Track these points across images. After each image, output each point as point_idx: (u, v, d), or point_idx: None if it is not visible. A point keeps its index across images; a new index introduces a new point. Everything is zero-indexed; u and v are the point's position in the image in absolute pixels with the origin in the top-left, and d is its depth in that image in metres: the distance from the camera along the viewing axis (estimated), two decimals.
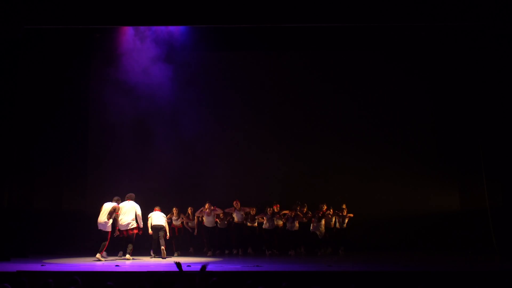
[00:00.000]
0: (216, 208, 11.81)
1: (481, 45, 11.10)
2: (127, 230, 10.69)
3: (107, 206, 10.66)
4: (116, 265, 9.01)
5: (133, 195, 11.08)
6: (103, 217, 10.55)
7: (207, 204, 11.77)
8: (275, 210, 11.70)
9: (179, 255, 11.18)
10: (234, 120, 13.60)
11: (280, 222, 11.80)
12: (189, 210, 11.97)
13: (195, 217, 11.88)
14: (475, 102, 11.39)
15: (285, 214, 11.80)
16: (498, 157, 10.52)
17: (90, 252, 10.78)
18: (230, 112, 13.62)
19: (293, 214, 11.70)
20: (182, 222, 11.89)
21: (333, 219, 11.90)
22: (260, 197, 12.49)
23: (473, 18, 10.48)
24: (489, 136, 10.87)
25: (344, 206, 11.95)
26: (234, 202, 11.93)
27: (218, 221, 11.89)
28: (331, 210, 11.84)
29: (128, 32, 12.95)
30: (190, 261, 9.53)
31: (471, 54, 11.64)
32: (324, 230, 11.70)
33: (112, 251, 10.90)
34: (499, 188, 10.48)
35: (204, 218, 11.87)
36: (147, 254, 11.13)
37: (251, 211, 11.84)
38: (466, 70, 11.93)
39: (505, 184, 10.18)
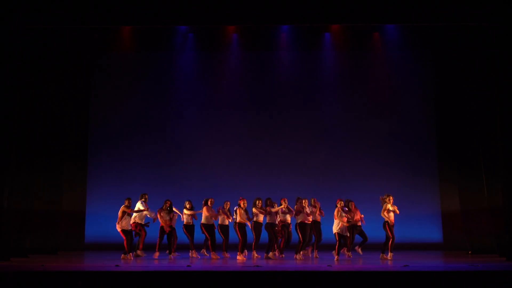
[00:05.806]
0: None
1: (482, 45, 11.09)
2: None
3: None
4: (116, 265, 9.01)
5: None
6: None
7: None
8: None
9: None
10: (234, 119, 13.63)
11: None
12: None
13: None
14: (476, 101, 11.40)
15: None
16: (498, 157, 10.51)
17: (89, 252, 10.76)
18: (232, 111, 13.66)
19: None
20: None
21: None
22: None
23: (474, 18, 10.49)
24: (489, 136, 10.86)
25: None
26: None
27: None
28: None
29: (128, 32, 12.95)
30: None
31: (472, 54, 11.66)
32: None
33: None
34: (499, 188, 10.47)
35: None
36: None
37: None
38: (467, 70, 11.94)
39: (505, 184, 10.16)
